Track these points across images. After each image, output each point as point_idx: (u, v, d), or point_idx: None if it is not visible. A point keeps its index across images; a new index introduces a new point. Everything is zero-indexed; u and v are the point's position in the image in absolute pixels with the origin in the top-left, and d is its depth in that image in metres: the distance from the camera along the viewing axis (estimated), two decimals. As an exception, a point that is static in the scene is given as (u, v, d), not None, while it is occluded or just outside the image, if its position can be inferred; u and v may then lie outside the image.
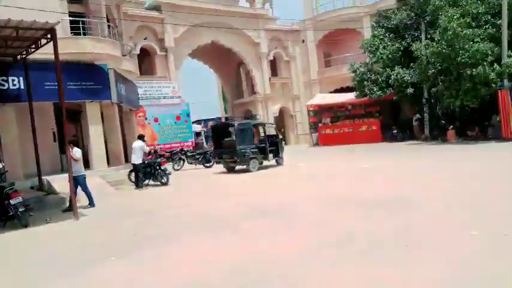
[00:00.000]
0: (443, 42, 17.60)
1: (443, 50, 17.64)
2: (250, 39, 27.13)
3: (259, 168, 14.71)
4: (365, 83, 23.70)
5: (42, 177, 12.33)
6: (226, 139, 14.58)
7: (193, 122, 27.83)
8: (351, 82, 24.94)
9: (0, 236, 7.14)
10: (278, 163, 15.78)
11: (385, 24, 23.93)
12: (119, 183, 13.34)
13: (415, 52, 19.21)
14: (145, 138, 21.62)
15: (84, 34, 14.94)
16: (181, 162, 17.68)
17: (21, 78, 12.26)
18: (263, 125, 15.28)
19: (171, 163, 17.79)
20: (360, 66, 24.02)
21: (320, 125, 26.47)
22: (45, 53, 12.52)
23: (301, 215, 6.82)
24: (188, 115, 23.55)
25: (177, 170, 17.48)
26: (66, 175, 13.59)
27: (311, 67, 29.25)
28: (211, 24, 24.74)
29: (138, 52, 22.27)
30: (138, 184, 12.38)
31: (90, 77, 13.87)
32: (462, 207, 6.25)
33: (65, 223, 7.86)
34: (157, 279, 4.31)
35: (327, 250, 4.79)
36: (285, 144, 29.11)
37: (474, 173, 9.46)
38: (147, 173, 12.67)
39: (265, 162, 15.41)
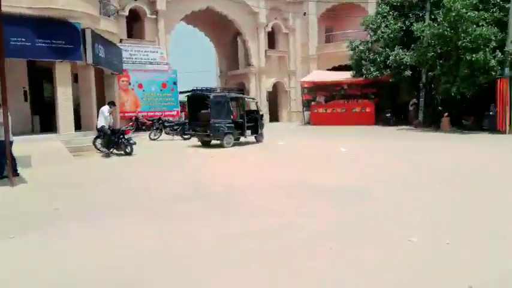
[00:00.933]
0: (445, 24, 16.46)
1: (445, 32, 16.52)
2: (248, 7, 25.85)
3: (235, 145, 14.03)
4: (363, 62, 22.65)
5: (28, 136, 11.80)
6: (202, 111, 13.77)
7: (184, 91, 27.07)
8: (349, 60, 23.83)
9: None
10: (257, 140, 15.06)
11: (390, 1, 22.58)
12: (83, 149, 12.68)
13: (415, 33, 18.06)
14: (127, 104, 21.29)
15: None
16: (159, 132, 16.97)
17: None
18: (242, 98, 14.43)
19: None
20: (360, 44, 22.85)
21: (313, 103, 25.56)
22: (10, 5, 11.77)
23: (243, 200, 6.15)
24: (175, 83, 22.65)
25: (153, 139, 16.82)
26: (34, 136, 13.23)
27: (310, 42, 28.01)
28: (207, -12, 23.52)
29: (127, 14, 21.20)
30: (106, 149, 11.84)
31: (62, 35, 13.00)
32: (413, 207, 5.54)
33: (-4, 189, 7.26)
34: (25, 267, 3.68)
35: (249, 242, 4.14)
36: (277, 120, 28.71)
37: (445, 168, 8.70)
38: (111, 141, 11.99)
39: (243, 139, 14.73)
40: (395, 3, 22.10)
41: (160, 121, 17.21)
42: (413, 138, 15.53)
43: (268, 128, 24.10)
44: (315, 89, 26.14)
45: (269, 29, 27.37)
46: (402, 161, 9.83)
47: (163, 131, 16.93)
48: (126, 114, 20.87)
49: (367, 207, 5.50)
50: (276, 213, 5.34)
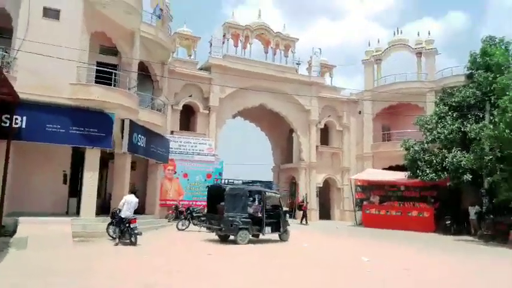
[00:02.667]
0: (501, 125, 14.81)
1: (503, 134, 14.79)
2: (300, 105, 26.27)
3: (253, 242, 13.10)
4: (418, 163, 20.96)
5: (42, 218, 12.23)
6: (220, 204, 13.26)
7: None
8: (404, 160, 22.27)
9: None
10: (281, 239, 13.95)
11: (448, 102, 21.42)
12: (95, 235, 12.65)
13: (469, 134, 16.47)
14: (170, 192, 21.61)
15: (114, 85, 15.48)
16: (187, 222, 16.63)
17: (24, 118, 12.66)
18: (262, 192, 13.71)
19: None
20: (414, 144, 21.43)
21: (365, 203, 23.80)
22: (49, 96, 13.12)
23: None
24: (220, 174, 22.79)
25: (181, 229, 16.46)
26: (62, 218, 13.60)
27: (365, 140, 27.11)
28: (261, 87, 24.54)
29: (181, 108, 22.64)
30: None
31: (95, 123, 13.95)
32: None
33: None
34: None
35: None
36: (329, 218, 26.99)
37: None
38: (120, 229, 11.83)
39: (267, 236, 13.72)
40: (454, 104, 20.86)
41: (189, 211, 16.94)
42: (477, 254, 13.15)
43: (314, 225, 22.85)
44: (369, 188, 24.59)
45: (321, 125, 27.22)
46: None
47: (191, 222, 16.55)
48: (168, 202, 21.12)
49: None
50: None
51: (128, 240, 11.65)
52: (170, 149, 21.20)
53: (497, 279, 8.90)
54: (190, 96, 22.99)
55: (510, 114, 14.43)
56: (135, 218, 11.73)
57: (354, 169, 27.05)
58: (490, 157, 15.86)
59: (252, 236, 13.66)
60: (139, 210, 19.01)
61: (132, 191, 12.39)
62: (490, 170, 16.43)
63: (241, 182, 14.57)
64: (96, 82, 14.79)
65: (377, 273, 8.84)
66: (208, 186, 14.87)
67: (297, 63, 27.32)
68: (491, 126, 15.38)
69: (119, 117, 15.00)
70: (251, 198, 14.26)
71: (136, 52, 16.82)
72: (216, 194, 13.62)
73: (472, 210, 18.92)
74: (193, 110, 23.76)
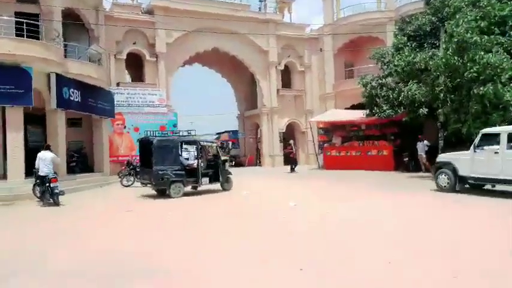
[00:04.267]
0: (448, 52, 13.94)
1: (451, 61, 13.94)
2: (257, 46, 24.88)
3: (193, 194, 12.60)
4: (376, 99, 20.22)
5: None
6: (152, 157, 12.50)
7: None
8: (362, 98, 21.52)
9: None
10: (223, 188, 13.41)
11: (407, 32, 20.26)
12: (21, 197, 11.93)
13: (418, 64, 15.61)
14: (122, 148, 20.82)
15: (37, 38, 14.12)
16: (132, 178, 15.98)
17: None
18: (196, 142, 12.95)
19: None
20: (372, 79, 20.56)
21: (325, 145, 23.35)
22: None
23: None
24: (175, 125, 21.90)
25: (126, 186, 15.85)
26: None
27: (327, 79, 26.11)
28: (213, 29, 22.99)
29: (124, 57, 21.22)
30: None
31: (11, 80, 12.79)
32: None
33: None
34: None
35: None
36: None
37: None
38: (42, 189, 11.11)
39: (209, 187, 13.18)
40: (411, 33, 19.73)
41: (131, 166, 16.20)
42: (411, 191, 12.78)
43: (270, 172, 22.46)
44: (332, 130, 24.04)
45: (281, 67, 26.02)
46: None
47: (135, 177, 15.86)
48: (120, 158, 20.37)
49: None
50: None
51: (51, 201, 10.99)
52: (117, 102, 20.09)
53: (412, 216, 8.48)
54: (134, 43, 21.49)
55: (456, 39, 13.51)
56: (55, 177, 10.94)
57: (318, 111, 26.26)
58: (441, 88, 15.11)
59: (192, 188, 13.16)
60: (90, 167, 18.52)
61: (47, 147, 11.50)
62: (442, 101, 15.75)
63: (193, 133, 13.69)
64: (19, 36, 13.49)
65: (290, 219, 8.33)
66: (139, 139, 14.02)
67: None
68: (440, 54, 14.47)
69: (42, 71, 13.82)
70: (187, 149, 13.60)
71: (56, -3, 15.23)
72: (148, 147, 12.83)
73: (420, 146, 18.52)
74: (140, 59, 22.35)
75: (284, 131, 26.25)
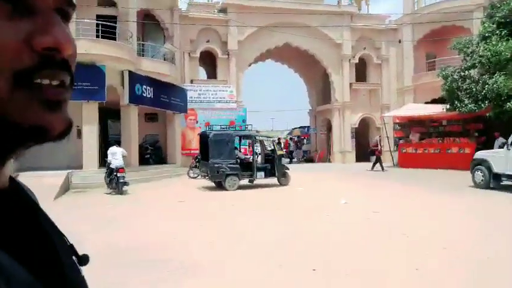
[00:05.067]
0: (539, 38, 12.20)
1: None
2: (330, 40, 24.20)
3: (249, 187, 12.80)
4: (458, 93, 18.50)
5: (41, 171, 12.96)
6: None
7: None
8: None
9: None
10: (280, 183, 13.40)
11: (496, 18, 18.15)
12: (91, 186, 13.15)
13: (504, 52, 13.89)
14: (193, 142, 21.79)
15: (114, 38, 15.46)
16: (198, 170, 16.64)
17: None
18: (251, 137, 13.06)
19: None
20: (454, 71, 18.82)
21: (401, 141, 21.96)
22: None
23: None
24: (244, 121, 22.31)
25: (193, 178, 16.61)
26: (61, 172, 14.23)
27: (405, 72, 24.44)
28: (284, 24, 22.87)
29: (198, 55, 22.11)
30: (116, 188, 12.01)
31: (87, 77, 14.05)
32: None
33: None
34: None
35: None
36: (368, 161, 25.40)
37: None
38: (111, 179, 12.18)
39: (267, 181, 13.29)
40: (501, 20, 17.62)
41: (197, 159, 16.88)
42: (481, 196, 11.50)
43: (345, 168, 21.59)
44: (408, 125, 22.57)
45: (356, 60, 24.96)
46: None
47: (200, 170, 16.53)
48: (192, 151, 21.37)
49: None
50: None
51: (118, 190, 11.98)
52: (190, 99, 21.10)
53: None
54: (208, 41, 22.28)
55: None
56: (122, 168, 11.90)
57: (395, 105, 24.79)
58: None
59: (249, 181, 13.33)
60: (164, 159, 19.77)
61: (116, 143, 12.59)
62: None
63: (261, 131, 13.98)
64: (100, 37, 14.87)
65: (335, 218, 8.01)
66: (199, 133, 14.55)
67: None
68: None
69: (115, 69, 15.04)
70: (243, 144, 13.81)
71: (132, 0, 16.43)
72: (206, 141, 13.30)
73: (496, 144, 16.40)
74: (215, 57, 23.13)
75: (357, 126, 25.24)
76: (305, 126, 31.56)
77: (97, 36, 15.05)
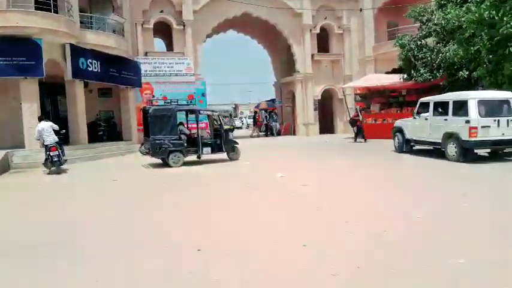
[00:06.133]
0: (483, 6, 12.04)
1: (487, 17, 12.06)
2: (290, 9, 23.59)
3: (195, 163, 12.52)
4: (415, 62, 18.42)
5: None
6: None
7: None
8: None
9: None
10: (230, 158, 13.16)
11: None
12: (33, 165, 12.61)
13: (451, 20, 13.74)
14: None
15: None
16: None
17: None
18: (194, 111, 12.69)
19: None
20: (410, 40, 18.67)
21: (362, 112, 21.91)
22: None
23: None
24: (203, 94, 21.85)
25: (145, 154, 16.08)
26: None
27: (366, 41, 24.20)
28: (242, -7, 22.15)
29: (151, 26, 21.24)
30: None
31: (22, 52, 13.30)
32: None
33: None
34: None
35: None
36: (332, 132, 25.53)
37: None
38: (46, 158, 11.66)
39: (216, 156, 13.03)
40: (459, -14, 17.36)
41: (148, 135, 16.43)
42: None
43: (306, 140, 21.58)
44: (369, 96, 22.52)
45: (317, 30, 24.52)
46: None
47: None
48: (149, 127, 20.84)
49: None
50: None
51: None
52: (145, 72, 20.41)
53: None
54: (162, 12, 21.37)
55: (493, -10, 11.58)
56: (54, 146, 11.37)
57: (357, 76, 24.63)
58: (477, 47, 13.22)
59: (197, 157, 13.02)
60: (119, 136, 19.20)
61: (41, 119, 11.99)
62: (478, 62, 13.84)
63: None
64: (38, 9, 13.94)
65: (263, 193, 7.85)
66: (141, 108, 14.08)
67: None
68: (474, 8, 12.50)
69: (54, 42, 14.24)
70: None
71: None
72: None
73: None
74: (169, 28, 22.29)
75: (319, 98, 25.08)
76: (272, 99, 31.22)
77: (36, 9, 14.13)
